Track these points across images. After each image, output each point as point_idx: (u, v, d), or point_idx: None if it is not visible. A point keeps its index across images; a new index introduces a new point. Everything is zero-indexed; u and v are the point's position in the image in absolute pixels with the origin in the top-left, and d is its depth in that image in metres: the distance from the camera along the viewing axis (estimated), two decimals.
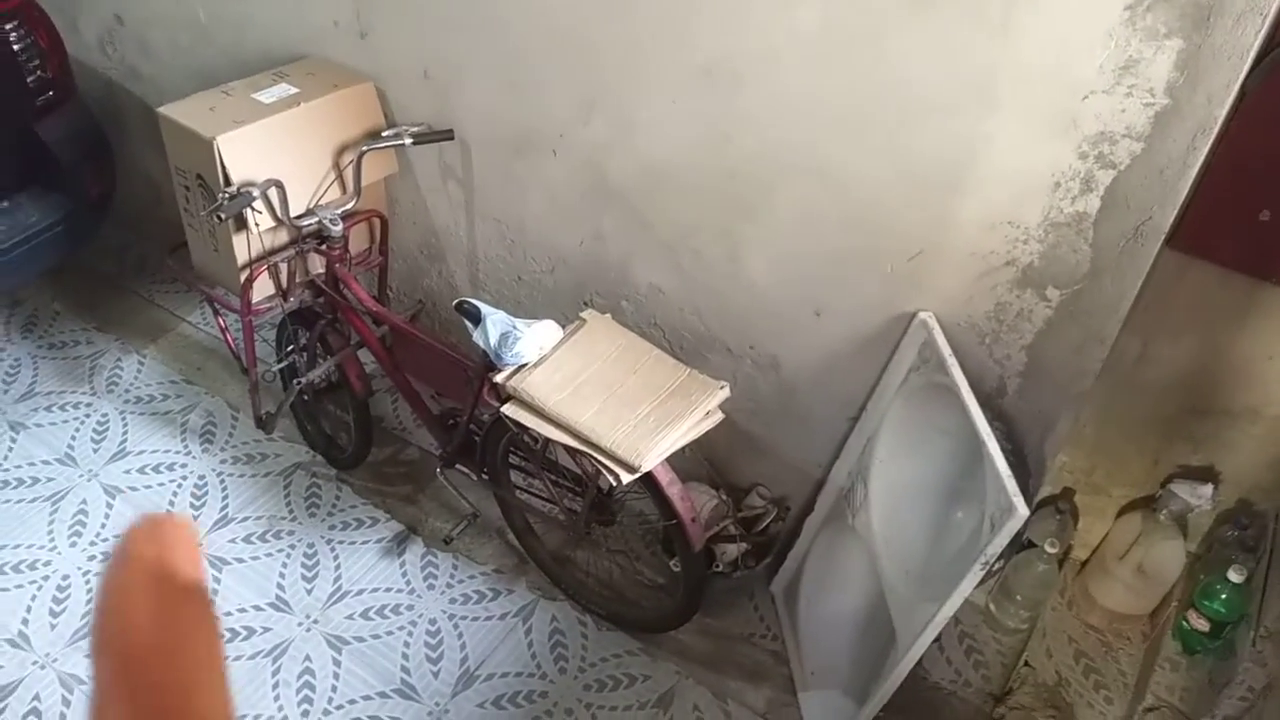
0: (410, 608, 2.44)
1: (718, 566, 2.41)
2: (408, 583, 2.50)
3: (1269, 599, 1.99)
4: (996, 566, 2.32)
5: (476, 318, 2.01)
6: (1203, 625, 2.12)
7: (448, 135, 2.33)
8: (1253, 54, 1.48)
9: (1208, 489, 2.19)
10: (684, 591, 2.25)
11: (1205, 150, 1.57)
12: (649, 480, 1.99)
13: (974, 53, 1.65)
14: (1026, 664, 2.32)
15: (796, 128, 1.91)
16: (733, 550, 2.43)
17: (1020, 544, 2.33)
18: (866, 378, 2.14)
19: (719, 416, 1.98)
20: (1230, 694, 1.99)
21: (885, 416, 2.10)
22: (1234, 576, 2.04)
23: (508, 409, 1.97)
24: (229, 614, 2.40)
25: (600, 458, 1.89)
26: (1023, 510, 1.58)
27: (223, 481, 2.73)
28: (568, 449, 1.96)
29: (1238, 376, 2.07)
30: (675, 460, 1.96)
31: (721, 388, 1.98)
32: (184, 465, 2.77)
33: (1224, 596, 2.07)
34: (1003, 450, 1.72)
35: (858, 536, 2.13)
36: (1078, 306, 1.81)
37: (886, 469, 2.10)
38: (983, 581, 1.72)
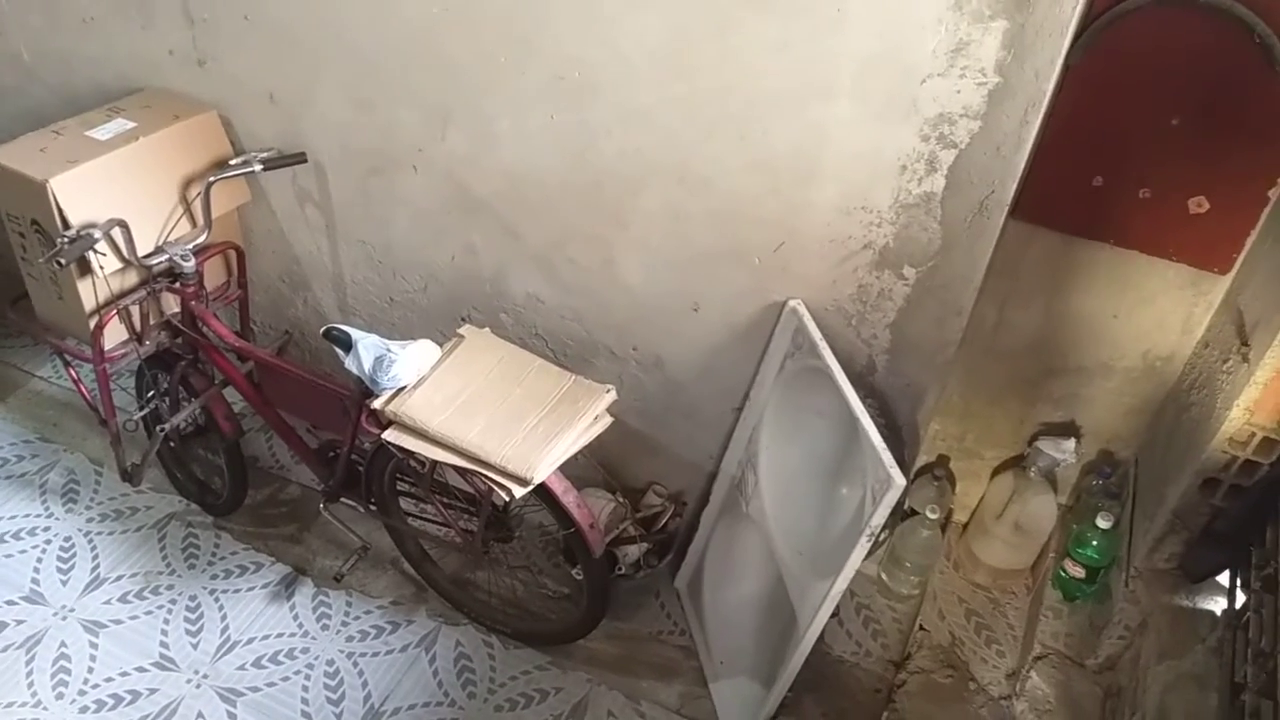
0: (305, 650, 2.36)
1: (620, 569, 2.42)
2: (300, 625, 2.41)
3: (1136, 541, 2.11)
4: (883, 536, 2.40)
5: (347, 344, 1.95)
6: (1079, 572, 2.24)
7: (300, 159, 2.26)
8: (1072, 29, 1.57)
9: (1070, 443, 2.31)
10: (589, 598, 2.24)
11: (1037, 124, 1.66)
12: (543, 491, 1.97)
13: (813, 45, 1.70)
14: (921, 628, 2.41)
15: (653, 130, 1.93)
16: (634, 551, 2.43)
17: (903, 513, 2.42)
18: (746, 368, 2.18)
19: (608, 420, 1.98)
20: (1110, 634, 2.11)
21: (767, 404, 2.14)
22: (1102, 523, 2.16)
23: (390, 435, 1.93)
24: (110, 679, 2.27)
25: (491, 474, 1.87)
26: (899, 480, 1.64)
27: (91, 541, 2.57)
28: (457, 469, 1.92)
29: (1087, 335, 2.20)
30: (568, 468, 1.95)
31: (608, 391, 1.98)
32: (47, 528, 2.60)
33: (1095, 543, 2.20)
34: (877, 425, 1.78)
35: (753, 523, 2.17)
36: (934, 282, 1.88)
37: (773, 455, 2.14)
38: (871, 552, 1.78)
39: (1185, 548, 1.96)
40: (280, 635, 2.39)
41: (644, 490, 2.56)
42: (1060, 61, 1.60)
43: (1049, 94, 1.63)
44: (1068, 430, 2.35)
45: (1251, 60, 1.74)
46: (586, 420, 1.93)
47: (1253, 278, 1.90)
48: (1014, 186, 1.74)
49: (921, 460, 2.46)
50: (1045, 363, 2.27)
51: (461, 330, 2.09)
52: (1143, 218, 1.99)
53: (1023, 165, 1.71)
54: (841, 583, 1.78)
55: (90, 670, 2.29)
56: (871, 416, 1.80)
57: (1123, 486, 2.30)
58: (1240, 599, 1.80)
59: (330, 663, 2.33)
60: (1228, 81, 1.79)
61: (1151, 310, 2.11)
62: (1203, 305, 2.06)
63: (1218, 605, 1.91)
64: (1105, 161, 1.97)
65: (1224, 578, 1.92)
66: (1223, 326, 1.97)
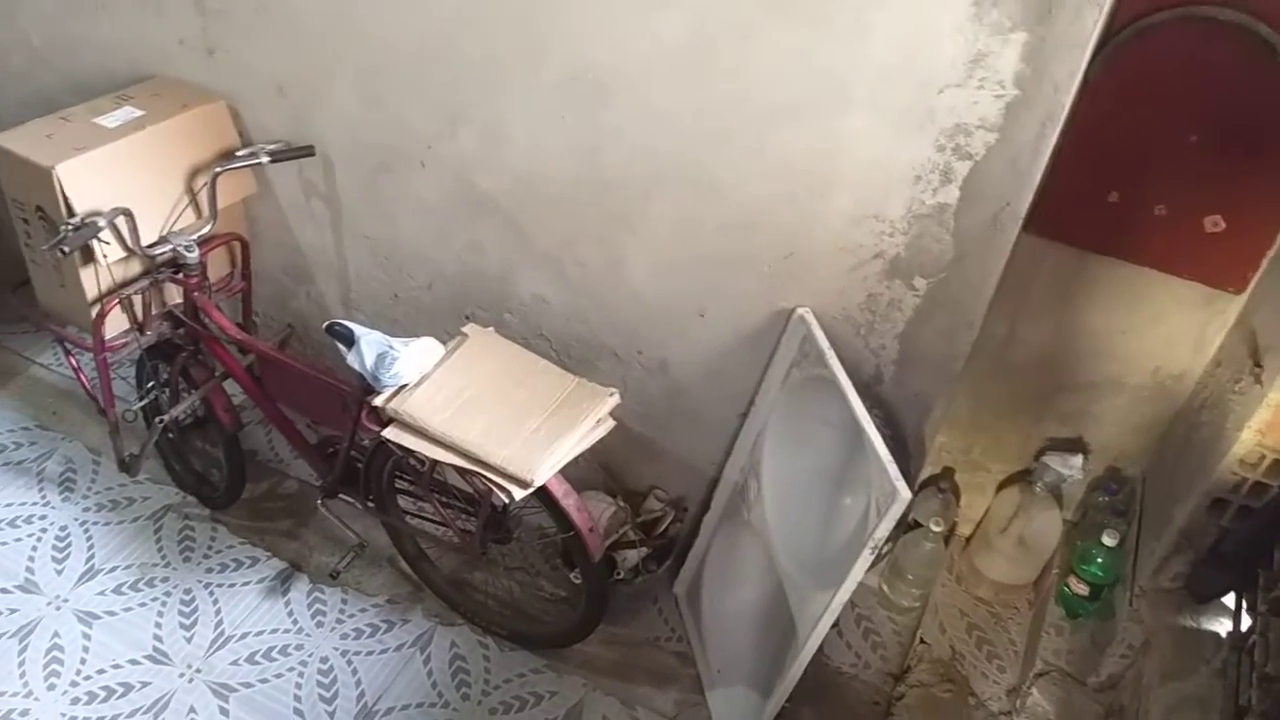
0: (299, 647, 2.34)
1: (619, 574, 2.40)
2: (295, 622, 2.39)
3: (1141, 559, 2.10)
4: (886, 548, 2.37)
5: (349, 340, 1.94)
6: (1083, 589, 2.22)
7: (308, 151, 2.25)
8: (1092, 44, 1.56)
9: (1078, 459, 2.30)
10: (586, 602, 2.22)
11: (1054, 137, 1.64)
12: (543, 493, 1.96)
13: (831, 54, 1.68)
14: (922, 641, 2.40)
15: (666, 136, 1.91)
16: (633, 556, 2.42)
17: (907, 524, 2.40)
18: (752, 375, 2.16)
19: (610, 423, 1.96)
20: (1112, 653, 2.09)
21: (772, 411, 2.12)
22: (1108, 540, 2.14)
23: (390, 433, 1.91)
24: (102, 671, 2.25)
25: (491, 475, 1.85)
26: (905, 493, 1.62)
27: (87, 531, 2.56)
28: (456, 469, 1.90)
29: (1097, 351, 2.18)
30: (569, 470, 1.93)
31: (611, 394, 1.96)
32: (43, 517, 2.58)
33: (1100, 560, 2.18)
34: (883, 436, 1.76)
35: (754, 531, 2.15)
36: (944, 294, 1.87)
37: (776, 462, 2.13)
38: (874, 564, 1.76)
39: (1191, 568, 1.95)
40: (275, 631, 2.37)
41: (645, 494, 2.54)
42: (1079, 76, 1.59)
43: (1067, 108, 1.61)
44: (1075, 446, 2.33)
45: (1272, 80, 1.73)
46: (589, 423, 1.92)
47: (1268, 298, 1.88)
48: (1028, 200, 1.72)
49: (926, 472, 2.44)
50: (1054, 378, 2.25)
51: (465, 329, 2.08)
52: (1157, 235, 1.98)
53: (1038, 179, 1.70)
54: (843, 594, 1.76)
55: (83, 661, 2.28)
56: (877, 427, 1.78)
57: (1129, 504, 2.28)
58: (1246, 622, 1.78)
59: (324, 660, 2.32)
60: (1248, 100, 1.78)
61: (1163, 328, 2.09)
62: (1216, 324, 2.04)
63: (1223, 627, 1.89)
64: (1121, 177, 1.95)
65: (1230, 600, 1.90)
66: (1235, 346, 1.95)
